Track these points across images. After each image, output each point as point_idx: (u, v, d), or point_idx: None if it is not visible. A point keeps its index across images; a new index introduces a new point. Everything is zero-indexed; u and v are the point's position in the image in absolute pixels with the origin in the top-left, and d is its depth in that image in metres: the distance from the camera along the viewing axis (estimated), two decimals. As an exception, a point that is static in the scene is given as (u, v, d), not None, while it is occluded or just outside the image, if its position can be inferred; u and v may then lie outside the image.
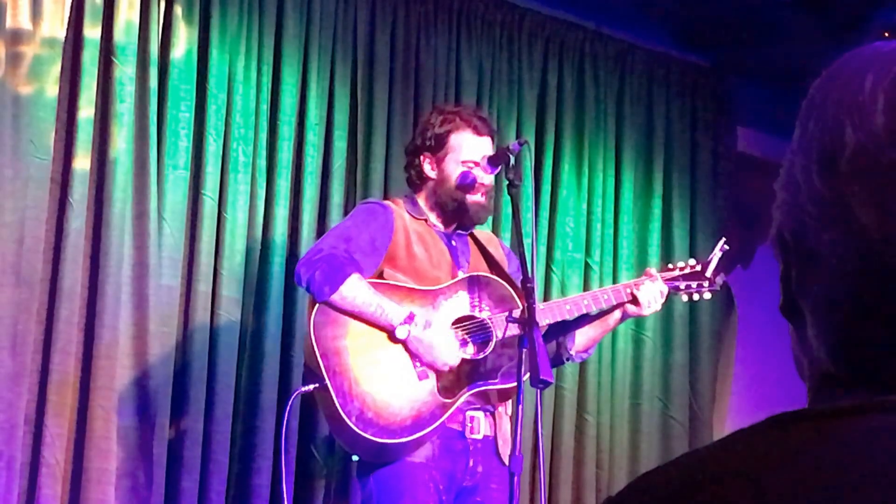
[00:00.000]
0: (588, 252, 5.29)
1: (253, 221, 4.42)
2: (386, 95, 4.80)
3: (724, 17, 5.37)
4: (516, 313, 3.41)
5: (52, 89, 4.03)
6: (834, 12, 4.96)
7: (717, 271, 3.72)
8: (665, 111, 5.64)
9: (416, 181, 3.64)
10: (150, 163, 4.18)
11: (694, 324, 5.55)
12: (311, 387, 3.40)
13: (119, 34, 4.17)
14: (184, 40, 4.32)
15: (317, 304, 3.41)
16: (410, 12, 4.92)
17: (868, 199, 0.77)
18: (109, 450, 4.04)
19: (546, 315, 3.53)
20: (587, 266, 5.28)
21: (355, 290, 3.37)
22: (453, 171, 3.56)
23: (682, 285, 3.70)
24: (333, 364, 3.36)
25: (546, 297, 5.02)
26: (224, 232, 4.34)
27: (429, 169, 3.60)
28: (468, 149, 3.56)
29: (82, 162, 4.08)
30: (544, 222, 5.19)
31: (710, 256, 3.73)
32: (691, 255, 5.47)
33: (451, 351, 3.41)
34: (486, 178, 3.57)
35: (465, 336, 3.48)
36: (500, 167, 3.56)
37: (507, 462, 3.29)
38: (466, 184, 3.54)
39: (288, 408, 3.62)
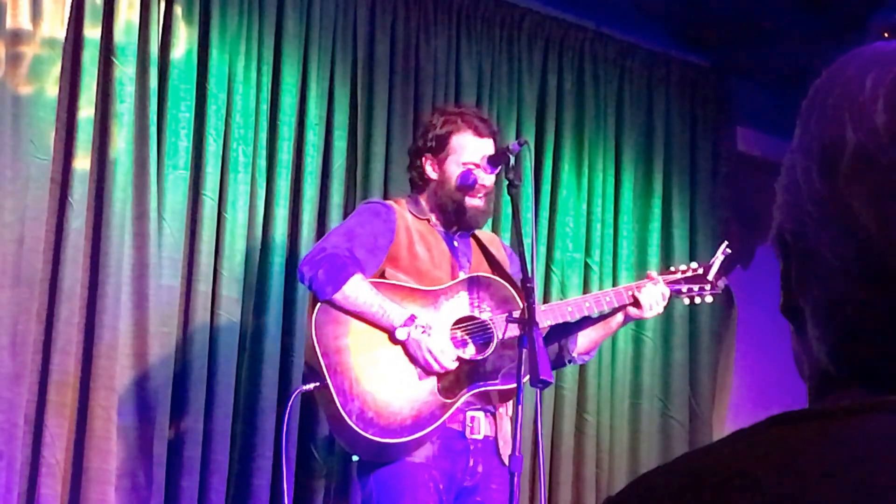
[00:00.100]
0: (588, 252, 5.29)
1: (253, 221, 4.42)
2: (386, 95, 4.80)
3: (725, 17, 5.37)
4: (517, 314, 3.41)
5: (52, 89, 4.03)
6: (834, 12, 4.96)
7: (718, 275, 3.73)
8: (665, 111, 5.64)
9: (419, 182, 3.65)
10: (150, 163, 4.18)
11: (694, 324, 5.55)
12: (312, 386, 3.40)
13: (119, 34, 4.17)
14: (184, 40, 4.32)
15: (319, 303, 3.41)
16: (410, 12, 4.92)
17: (868, 200, 0.78)
18: (109, 450, 4.04)
19: (548, 316, 3.53)
20: (587, 266, 5.28)
21: (357, 289, 3.38)
22: (454, 172, 3.56)
23: (684, 288, 3.71)
24: (334, 363, 3.36)
25: (546, 297, 5.03)
26: (224, 232, 4.34)
27: (430, 170, 3.60)
28: (469, 150, 3.56)
29: (82, 162, 4.08)
30: (544, 222, 5.19)
31: (712, 260, 3.73)
32: (691, 255, 5.49)
33: (446, 357, 3.41)
34: (487, 179, 3.57)
35: (466, 337, 3.48)
36: (499, 167, 3.56)
37: (507, 462, 3.29)
38: (467, 185, 3.54)
39: (288, 407, 3.62)
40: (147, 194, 4.17)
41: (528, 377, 3.18)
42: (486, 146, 3.59)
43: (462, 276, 3.55)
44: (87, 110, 4.11)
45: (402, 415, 3.35)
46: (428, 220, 3.61)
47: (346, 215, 4.55)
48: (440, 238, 3.60)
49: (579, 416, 5.22)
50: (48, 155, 4.01)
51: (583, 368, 5.17)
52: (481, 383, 3.44)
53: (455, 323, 3.48)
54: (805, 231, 0.82)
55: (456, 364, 3.42)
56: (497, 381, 3.45)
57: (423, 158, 3.62)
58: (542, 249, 5.13)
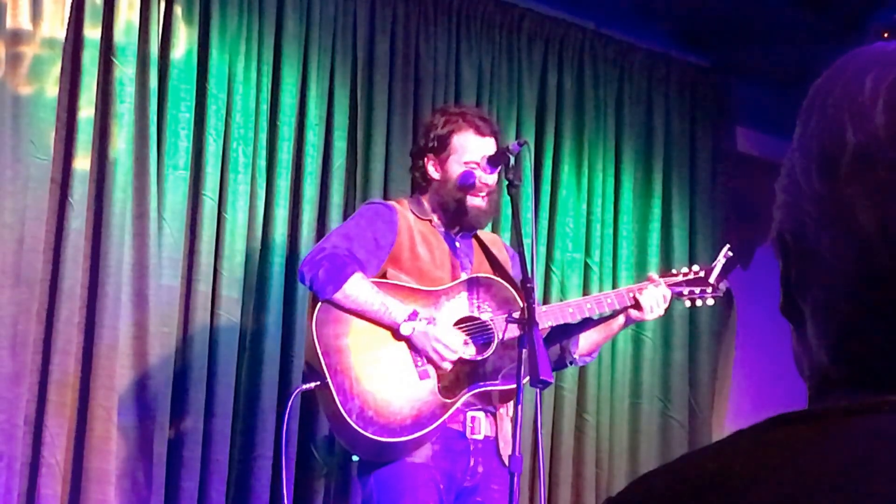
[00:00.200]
0: (588, 252, 5.29)
1: (253, 222, 4.42)
2: (386, 96, 4.80)
3: (724, 17, 5.37)
4: (517, 314, 3.41)
5: (52, 90, 4.03)
6: (834, 12, 4.96)
7: (720, 277, 3.73)
8: (665, 111, 5.64)
9: (421, 182, 3.65)
10: (150, 163, 4.18)
11: (693, 324, 5.55)
12: (312, 385, 3.40)
13: (119, 34, 4.18)
14: (184, 41, 4.32)
15: (319, 303, 3.41)
16: (410, 13, 4.92)
17: (868, 200, 0.78)
18: (109, 450, 4.04)
19: (549, 318, 3.53)
20: (587, 266, 5.28)
21: (358, 288, 3.38)
22: (456, 171, 3.56)
23: (686, 291, 3.71)
24: (335, 362, 3.36)
25: (546, 298, 5.03)
26: (224, 232, 4.34)
27: (432, 170, 3.60)
28: (471, 149, 3.56)
29: (82, 162, 4.08)
30: (544, 222, 5.19)
31: (714, 262, 3.74)
32: (691, 255, 5.50)
33: (456, 345, 3.41)
34: (489, 178, 3.57)
35: (467, 337, 3.48)
36: (499, 167, 3.56)
37: (507, 462, 3.29)
38: (467, 184, 3.54)
39: (288, 407, 3.62)
40: (147, 194, 4.18)
41: (528, 377, 3.18)
42: (488, 145, 3.59)
43: (463, 276, 3.55)
44: (87, 110, 4.11)
45: (402, 414, 3.35)
46: (430, 221, 3.61)
47: (346, 215, 4.55)
48: (442, 239, 3.60)
49: (579, 416, 5.22)
50: (48, 155, 4.01)
51: (583, 369, 5.17)
52: (481, 383, 3.44)
53: (456, 323, 3.48)
54: (805, 231, 0.82)
55: (466, 351, 3.42)
56: (497, 382, 3.45)
57: (425, 158, 3.62)
58: (542, 249, 5.13)
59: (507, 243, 3.98)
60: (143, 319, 4.14)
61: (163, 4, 4.29)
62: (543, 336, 3.53)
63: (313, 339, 3.38)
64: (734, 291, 5.64)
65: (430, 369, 3.42)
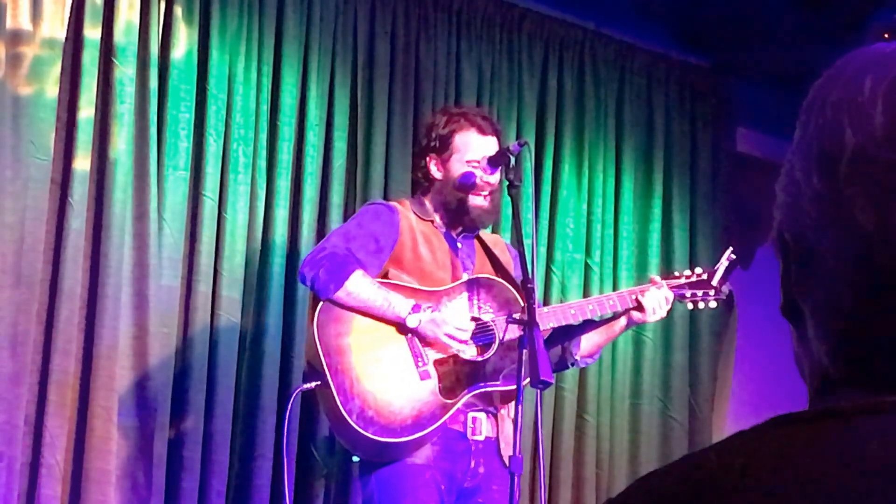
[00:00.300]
0: (588, 253, 5.30)
1: (253, 222, 4.42)
2: (386, 96, 4.80)
3: (725, 17, 5.37)
4: (518, 315, 3.40)
5: (52, 90, 4.03)
6: (834, 13, 4.96)
7: (722, 280, 3.73)
8: (665, 112, 5.65)
9: (423, 182, 3.65)
10: (150, 163, 4.18)
11: (694, 324, 5.55)
12: (313, 384, 3.41)
13: (119, 35, 4.17)
14: (184, 41, 4.32)
15: (320, 303, 3.41)
16: (410, 13, 4.92)
17: (867, 201, 0.78)
18: (109, 450, 4.04)
19: (551, 319, 3.53)
20: (587, 267, 5.28)
21: (360, 285, 3.38)
22: (458, 171, 3.56)
23: (688, 293, 3.71)
24: (336, 362, 3.36)
25: (546, 298, 5.03)
26: (224, 232, 4.34)
27: (435, 170, 3.60)
28: (473, 148, 3.57)
29: (82, 162, 4.08)
30: (544, 223, 5.19)
31: (717, 265, 3.74)
32: (691, 256, 5.50)
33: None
34: (491, 177, 3.57)
35: (465, 348, 3.48)
36: (500, 168, 3.56)
37: (508, 463, 3.29)
38: (469, 184, 3.54)
39: (289, 407, 3.62)
40: (147, 195, 4.18)
41: (528, 381, 3.18)
42: (490, 144, 3.59)
43: (465, 277, 3.55)
44: (87, 111, 4.11)
45: (402, 414, 3.35)
46: (432, 222, 3.61)
47: (346, 216, 4.55)
48: (444, 240, 3.60)
49: (579, 416, 5.22)
50: (48, 155, 4.01)
51: (583, 369, 5.17)
52: (482, 384, 3.44)
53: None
54: (805, 232, 0.82)
55: (470, 348, 3.43)
56: (498, 383, 3.45)
57: (428, 158, 3.62)
58: (543, 250, 5.13)
59: (508, 243, 3.98)
60: (144, 320, 4.14)
61: (163, 5, 4.29)
62: (545, 337, 3.53)
63: (314, 339, 3.38)
64: (735, 292, 5.64)
65: (432, 369, 3.42)
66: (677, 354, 5.49)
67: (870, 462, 0.72)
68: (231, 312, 4.32)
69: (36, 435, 3.97)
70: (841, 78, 0.83)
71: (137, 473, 4.10)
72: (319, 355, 3.36)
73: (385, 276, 3.50)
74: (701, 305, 3.77)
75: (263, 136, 4.48)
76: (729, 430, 5.68)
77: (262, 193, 4.45)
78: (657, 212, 5.53)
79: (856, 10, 4.86)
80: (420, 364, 3.41)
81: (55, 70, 4.04)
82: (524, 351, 3.21)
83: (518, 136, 4.99)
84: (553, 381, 3.32)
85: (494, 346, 3.46)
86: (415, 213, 3.60)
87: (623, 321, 3.64)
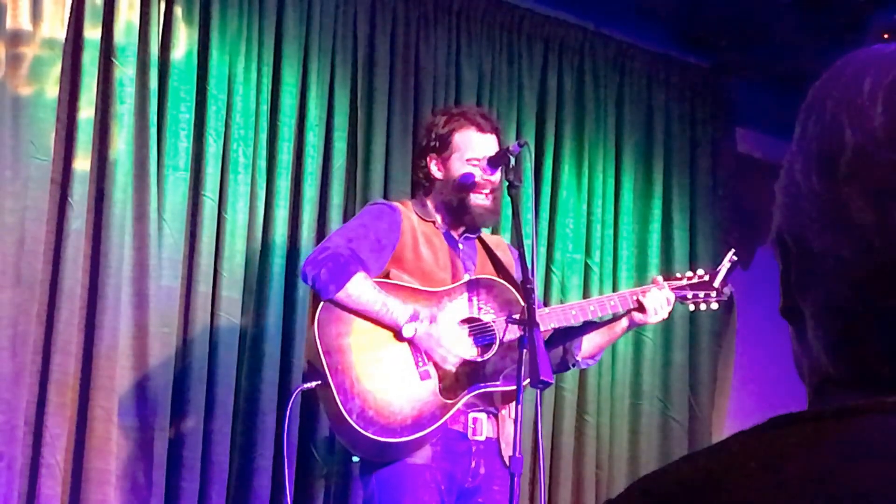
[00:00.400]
0: (588, 253, 5.30)
1: (253, 222, 4.42)
2: (386, 96, 4.80)
3: (724, 18, 5.37)
4: (518, 315, 3.41)
5: (52, 90, 4.04)
6: (833, 14, 4.96)
7: (724, 282, 3.73)
8: (665, 112, 5.65)
9: (424, 183, 3.64)
10: (150, 164, 4.19)
11: (694, 324, 5.56)
12: (313, 384, 3.41)
13: (119, 35, 4.18)
14: (184, 41, 4.32)
15: (321, 302, 3.42)
16: (410, 13, 4.92)
17: (867, 201, 0.78)
18: (109, 450, 4.04)
19: (551, 319, 3.53)
20: (587, 267, 5.28)
21: (360, 288, 3.38)
22: (458, 169, 3.56)
23: (689, 294, 3.71)
24: (336, 362, 3.37)
25: (546, 298, 5.03)
26: (224, 233, 4.34)
27: (435, 169, 3.61)
28: (473, 146, 3.57)
29: (82, 163, 4.08)
30: (544, 223, 5.19)
31: (719, 267, 3.74)
32: (691, 256, 5.50)
33: (461, 344, 3.41)
34: (492, 176, 3.57)
35: (469, 338, 3.48)
36: (499, 168, 3.56)
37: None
38: (470, 182, 3.54)
39: (289, 407, 3.62)
40: (147, 195, 4.18)
41: (528, 382, 3.18)
42: (490, 142, 3.59)
43: (466, 277, 3.55)
44: (87, 111, 4.11)
45: (402, 414, 3.35)
46: (434, 223, 3.61)
47: (346, 216, 4.56)
48: (446, 240, 3.60)
49: (579, 416, 5.22)
50: (48, 156, 4.01)
51: (583, 370, 5.17)
52: (482, 384, 3.45)
53: (458, 324, 3.48)
54: (804, 232, 0.82)
55: (471, 352, 3.43)
56: (499, 383, 3.45)
57: (428, 158, 3.62)
58: (543, 250, 5.13)
59: (510, 244, 3.99)
60: (144, 320, 4.14)
61: (163, 5, 4.30)
62: (545, 338, 3.53)
63: (315, 339, 3.38)
64: (734, 292, 5.64)
65: (432, 369, 3.43)
66: (677, 354, 5.50)
67: (869, 462, 0.72)
68: (231, 313, 4.32)
69: (36, 435, 3.97)
70: (840, 78, 0.83)
71: (137, 473, 4.10)
72: (320, 355, 3.36)
73: (386, 276, 3.50)
74: (703, 307, 3.77)
75: (263, 137, 4.48)
76: (729, 431, 5.69)
77: (262, 194, 4.45)
78: (657, 212, 5.53)
79: (855, 10, 4.86)
80: (420, 364, 3.41)
81: (55, 70, 4.04)
82: (524, 351, 3.21)
83: (518, 137, 4.99)
84: (553, 381, 3.32)
85: (495, 347, 3.46)
86: (417, 214, 3.60)
87: (624, 322, 3.64)
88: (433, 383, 3.41)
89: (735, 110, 5.85)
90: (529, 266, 3.33)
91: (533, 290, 3.32)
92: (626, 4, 5.39)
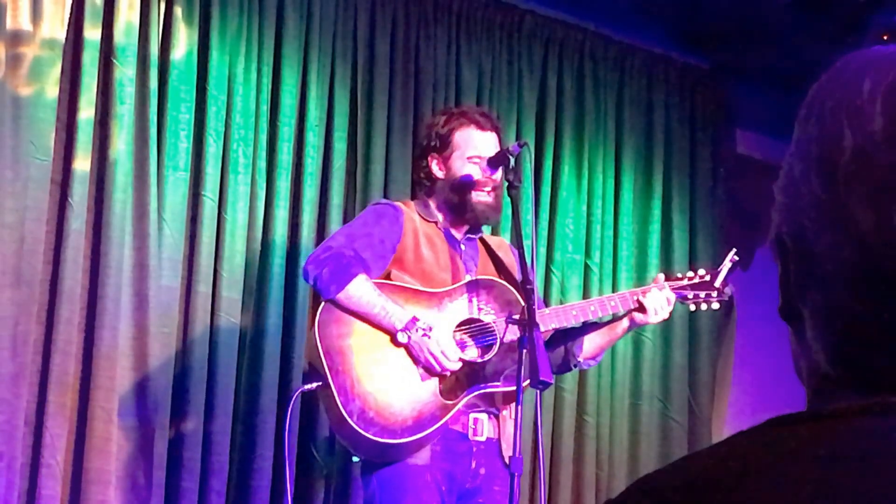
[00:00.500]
0: (588, 254, 5.30)
1: (253, 223, 4.42)
2: (386, 97, 4.80)
3: (724, 19, 5.38)
4: (518, 316, 3.40)
5: (52, 90, 4.04)
6: (833, 15, 4.96)
7: (725, 282, 3.72)
8: (665, 113, 5.65)
9: (427, 182, 3.64)
10: (150, 164, 4.19)
11: (693, 325, 5.56)
12: (314, 385, 3.41)
13: (119, 35, 4.18)
14: (184, 41, 4.32)
15: (322, 303, 3.42)
16: (410, 14, 4.92)
17: (866, 202, 0.78)
18: (109, 451, 4.04)
19: (552, 320, 3.53)
20: (587, 268, 5.29)
21: (361, 290, 3.38)
22: (460, 168, 3.56)
23: (690, 294, 3.71)
24: (337, 363, 3.37)
25: (546, 299, 5.03)
26: (224, 233, 4.34)
27: (437, 169, 3.61)
28: (473, 144, 3.57)
29: (82, 163, 4.08)
30: (544, 224, 5.19)
31: (720, 267, 3.73)
32: (691, 257, 5.50)
33: (449, 358, 3.41)
34: (493, 174, 3.57)
35: (469, 339, 3.48)
36: (499, 169, 3.57)
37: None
38: (471, 180, 3.54)
39: (290, 407, 3.62)
40: (147, 195, 4.18)
41: (527, 383, 3.18)
42: (490, 139, 3.59)
43: (467, 278, 3.55)
44: (87, 111, 4.11)
45: (402, 415, 3.35)
46: (436, 223, 3.61)
47: (346, 216, 4.56)
48: (447, 241, 3.60)
49: (579, 417, 5.22)
50: (48, 156, 4.02)
51: (583, 370, 5.17)
52: (483, 385, 3.45)
53: (458, 325, 3.48)
54: (803, 234, 0.82)
55: (459, 365, 3.42)
56: (499, 384, 3.45)
57: (429, 158, 3.62)
58: (542, 251, 5.14)
59: (511, 245, 3.99)
60: (144, 320, 4.14)
61: (163, 5, 4.30)
62: (546, 338, 3.53)
63: (316, 340, 3.38)
64: (734, 293, 5.64)
65: (432, 370, 3.43)
66: (677, 355, 5.50)
67: (868, 463, 0.72)
68: (231, 313, 4.32)
69: (36, 435, 3.97)
70: (840, 79, 0.83)
71: (137, 473, 4.10)
72: (320, 356, 3.36)
73: (387, 276, 3.51)
74: (703, 307, 3.77)
75: (263, 137, 4.48)
76: (728, 431, 5.69)
77: (261, 194, 4.45)
78: (657, 213, 5.53)
79: (855, 11, 4.86)
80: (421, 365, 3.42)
81: (55, 70, 4.04)
82: (524, 352, 3.21)
83: (518, 137, 4.99)
84: (553, 381, 3.32)
85: (495, 348, 3.46)
86: (419, 214, 3.61)
87: (625, 323, 3.64)
88: (433, 384, 3.41)
89: (735, 111, 5.85)
90: (529, 266, 3.33)
91: (532, 290, 3.32)
92: (626, 5, 5.39)
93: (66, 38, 4.10)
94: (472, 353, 3.47)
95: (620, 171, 5.48)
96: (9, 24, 3.98)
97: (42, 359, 4.00)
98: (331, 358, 3.37)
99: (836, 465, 0.73)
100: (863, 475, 0.72)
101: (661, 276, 3.71)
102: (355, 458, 3.55)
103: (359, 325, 3.41)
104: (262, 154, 4.47)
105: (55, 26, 4.05)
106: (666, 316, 3.63)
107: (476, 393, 3.44)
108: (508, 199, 3.54)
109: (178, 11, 4.31)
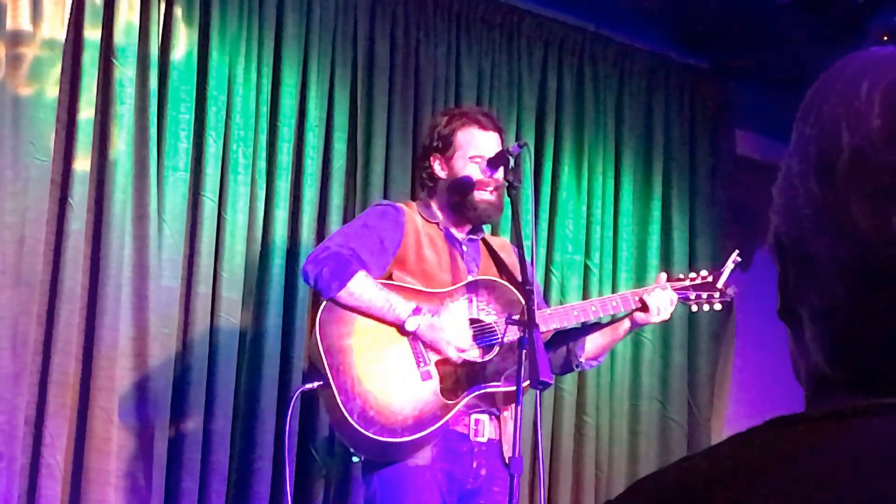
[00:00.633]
0: (588, 254, 5.30)
1: (253, 223, 4.42)
2: (386, 97, 4.80)
3: (724, 19, 5.37)
4: (518, 316, 3.41)
5: (52, 91, 4.04)
6: (832, 15, 4.96)
7: (728, 283, 3.72)
8: (664, 113, 5.65)
9: (429, 183, 3.64)
10: (150, 164, 4.19)
11: (693, 326, 5.56)
12: (315, 385, 3.41)
13: (119, 36, 4.18)
14: (184, 42, 4.33)
15: (323, 303, 3.42)
16: (410, 14, 4.92)
17: (864, 204, 0.78)
18: (109, 451, 4.04)
19: (554, 320, 3.53)
20: (587, 268, 5.29)
21: (362, 286, 3.39)
22: (462, 168, 3.57)
23: (692, 295, 3.70)
24: (337, 362, 3.37)
25: (546, 300, 5.03)
26: (224, 233, 4.34)
27: (439, 169, 3.61)
28: (475, 143, 3.57)
29: (82, 163, 4.08)
30: (544, 224, 5.19)
31: (723, 268, 3.73)
32: (691, 257, 5.50)
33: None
34: (497, 174, 3.57)
35: (471, 339, 3.48)
36: (499, 169, 3.57)
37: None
38: (473, 180, 3.54)
39: (290, 407, 3.62)
40: (147, 196, 4.18)
41: (527, 384, 3.18)
42: (492, 139, 3.59)
43: (469, 279, 3.55)
44: (87, 111, 4.11)
45: (403, 414, 3.36)
46: (438, 224, 3.61)
47: (346, 217, 4.56)
48: (449, 242, 3.60)
49: (579, 417, 5.22)
50: (48, 156, 4.02)
51: (582, 371, 5.17)
52: (483, 385, 3.45)
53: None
54: (802, 235, 0.82)
55: (472, 345, 3.43)
56: (500, 384, 3.45)
57: (431, 158, 3.62)
58: (542, 251, 5.14)
59: (514, 246, 3.99)
60: (144, 321, 4.14)
61: (163, 6, 4.30)
62: (547, 339, 3.54)
63: (317, 339, 3.38)
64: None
65: (433, 370, 3.43)
66: (676, 356, 5.50)
67: (867, 464, 0.72)
68: (231, 313, 4.32)
69: (36, 435, 3.97)
70: (838, 80, 0.83)
71: (137, 473, 4.10)
72: (321, 355, 3.36)
73: (389, 277, 3.51)
74: (706, 308, 3.76)
75: (263, 137, 4.48)
76: (727, 432, 5.68)
77: (261, 194, 4.45)
78: (656, 213, 5.53)
79: (855, 13, 4.86)
80: (422, 365, 3.42)
81: (55, 71, 4.04)
82: (523, 352, 3.21)
83: (517, 138, 4.99)
84: (552, 381, 3.32)
85: (496, 348, 3.46)
86: (421, 215, 3.61)
87: (627, 323, 3.63)
88: (434, 384, 3.41)
89: (734, 112, 5.85)
90: (529, 266, 3.33)
91: (532, 291, 3.32)
92: (625, 6, 5.39)
93: (66, 39, 4.10)
94: (473, 354, 3.47)
95: (620, 172, 5.48)
96: (9, 25, 3.99)
97: (42, 359, 4.00)
98: (331, 357, 3.37)
99: (835, 467, 0.73)
100: (862, 476, 0.72)
101: (663, 276, 3.70)
102: (355, 459, 3.55)
103: (360, 325, 3.41)
104: (262, 154, 4.47)
105: (55, 26, 4.05)
106: (667, 316, 3.63)
107: (477, 393, 3.44)
108: (508, 200, 3.54)
109: (178, 12, 4.31)
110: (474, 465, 3.44)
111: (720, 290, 3.73)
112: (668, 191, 5.60)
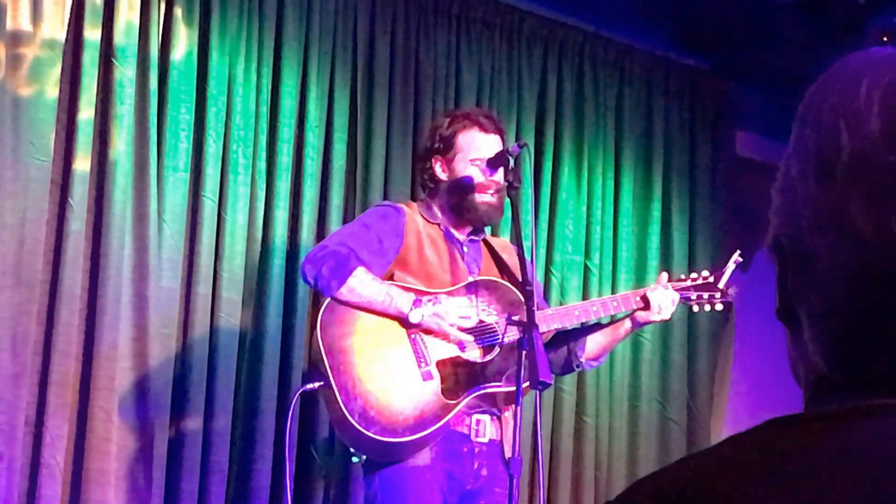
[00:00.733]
0: (587, 255, 5.30)
1: (253, 223, 4.42)
2: (386, 98, 4.80)
3: (724, 20, 5.37)
4: (518, 317, 3.41)
5: (52, 91, 4.04)
6: (832, 16, 4.96)
7: (729, 283, 3.72)
8: (664, 114, 5.65)
9: (430, 184, 3.65)
10: (150, 164, 4.19)
11: (692, 326, 5.56)
12: (315, 385, 3.41)
13: (119, 36, 4.18)
14: (184, 42, 4.33)
15: (324, 303, 3.42)
16: (410, 15, 4.92)
17: (863, 204, 0.78)
18: (109, 451, 4.04)
19: (554, 320, 3.53)
20: (587, 269, 5.29)
21: (362, 282, 3.39)
22: (463, 170, 3.57)
23: (693, 296, 3.70)
24: (338, 362, 3.37)
25: (546, 300, 5.03)
26: (224, 234, 4.34)
27: (440, 171, 3.61)
28: (476, 146, 3.57)
29: (82, 163, 4.08)
30: (544, 225, 5.19)
31: (724, 268, 3.73)
32: (690, 258, 5.50)
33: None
34: (495, 175, 3.57)
35: (471, 339, 3.48)
36: (499, 170, 3.57)
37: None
38: (475, 182, 3.55)
39: (291, 407, 3.62)
40: (147, 196, 4.18)
41: (527, 384, 3.18)
42: (494, 142, 3.59)
43: (470, 279, 3.55)
44: (87, 112, 4.11)
45: (404, 415, 3.36)
46: (439, 225, 3.61)
47: (345, 217, 4.56)
48: (450, 243, 3.60)
49: (578, 418, 5.22)
50: (48, 156, 4.02)
51: (581, 371, 5.17)
52: (484, 385, 3.45)
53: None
54: (801, 236, 0.82)
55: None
56: (500, 384, 3.45)
57: (433, 160, 3.62)
58: (542, 252, 5.14)
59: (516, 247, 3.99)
60: (143, 321, 4.14)
61: (163, 6, 4.30)
62: (548, 339, 3.54)
63: (317, 339, 3.38)
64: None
65: (434, 370, 3.43)
66: (676, 356, 5.50)
67: (865, 465, 0.73)
68: (231, 314, 4.32)
69: (36, 435, 3.97)
70: (837, 82, 0.83)
71: (137, 473, 4.10)
72: (322, 355, 3.37)
73: (390, 278, 3.51)
74: (707, 308, 3.77)
75: (263, 138, 4.48)
76: (727, 432, 5.69)
77: (261, 195, 4.45)
78: (656, 214, 5.53)
79: (855, 13, 4.86)
80: (422, 365, 3.42)
81: (55, 71, 4.05)
82: (523, 352, 3.21)
83: (517, 138, 4.99)
84: (552, 382, 3.32)
85: (497, 348, 3.46)
86: (422, 216, 3.61)
87: (628, 323, 3.64)
88: (435, 384, 3.41)
89: (735, 113, 5.85)
90: (529, 266, 3.33)
91: (532, 291, 3.32)
92: (625, 6, 5.39)
93: (66, 39, 4.10)
94: (474, 354, 3.47)
95: (620, 172, 5.48)
96: (9, 25, 3.99)
97: (42, 359, 4.00)
98: (332, 357, 3.37)
99: (834, 467, 0.73)
100: (862, 477, 0.72)
101: (665, 276, 3.70)
102: (355, 459, 3.55)
103: (361, 325, 3.41)
104: (262, 154, 4.47)
105: (55, 27, 4.05)
106: (668, 316, 3.63)
107: (477, 393, 3.44)
108: (508, 201, 3.54)
109: (178, 12, 4.31)
110: (475, 465, 3.45)
111: (721, 291, 3.73)
112: (668, 191, 5.60)
